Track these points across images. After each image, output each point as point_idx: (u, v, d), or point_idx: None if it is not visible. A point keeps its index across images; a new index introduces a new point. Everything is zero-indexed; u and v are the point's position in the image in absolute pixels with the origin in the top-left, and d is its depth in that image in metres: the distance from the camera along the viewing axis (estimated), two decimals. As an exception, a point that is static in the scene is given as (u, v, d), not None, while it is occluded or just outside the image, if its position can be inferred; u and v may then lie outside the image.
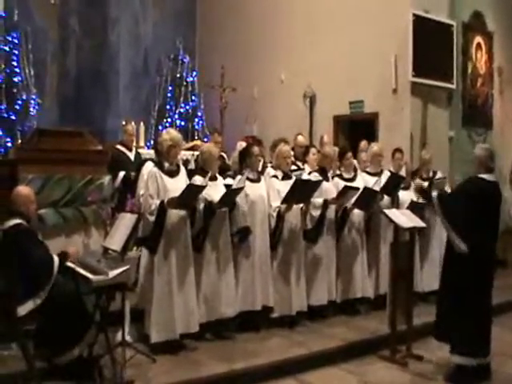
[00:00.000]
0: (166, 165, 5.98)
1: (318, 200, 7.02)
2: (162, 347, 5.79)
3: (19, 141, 11.01)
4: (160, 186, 5.84)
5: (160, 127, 13.11)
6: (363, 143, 9.09)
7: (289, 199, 6.59)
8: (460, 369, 5.66)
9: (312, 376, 5.83)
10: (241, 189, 6.30)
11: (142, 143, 11.27)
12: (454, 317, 5.67)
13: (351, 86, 10.82)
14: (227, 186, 6.40)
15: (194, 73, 14.36)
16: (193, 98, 14.12)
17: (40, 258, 5.09)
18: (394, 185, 7.72)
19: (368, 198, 7.38)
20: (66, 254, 5.26)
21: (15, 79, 11.76)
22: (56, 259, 5.14)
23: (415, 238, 7.11)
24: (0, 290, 5.06)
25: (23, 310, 4.95)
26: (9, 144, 11.15)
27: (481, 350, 5.64)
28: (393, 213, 6.52)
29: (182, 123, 13.69)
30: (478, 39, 11.75)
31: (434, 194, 5.97)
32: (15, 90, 11.67)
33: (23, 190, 5.40)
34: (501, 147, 11.69)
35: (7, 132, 11.35)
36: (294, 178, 6.94)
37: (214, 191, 6.17)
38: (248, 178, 6.59)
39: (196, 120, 14.01)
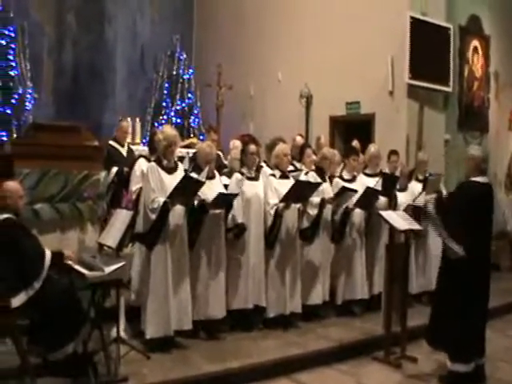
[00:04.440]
0: (165, 162, 5.96)
1: (315, 199, 7.02)
2: (156, 344, 5.79)
3: (15, 135, 10.97)
4: (158, 181, 5.82)
5: (156, 124, 13.08)
6: (355, 143, 9.09)
7: (287, 199, 6.59)
8: (455, 372, 5.65)
9: (306, 376, 5.82)
10: (236, 195, 6.31)
11: (137, 140, 11.25)
12: (450, 321, 5.64)
13: (348, 86, 10.82)
14: (224, 185, 6.40)
15: (191, 70, 14.34)
16: (189, 95, 14.09)
17: (31, 248, 5.07)
18: (389, 185, 7.72)
19: (370, 198, 7.40)
20: (62, 255, 5.23)
21: (11, 73, 11.69)
22: (48, 252, 5.11)
23: (411, 240, 7.11)
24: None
25: (17, 301, 4.91)
26: (4, 138, 11.09)
27: (477, 351, 5.63)
28: (389, 214, 6.52)
29: (178, 120, 13.66)
30: (475, 43, 11.76)
31: (430, 208, 5.91)
32: (11, 84, 11.61)
33: (11, 184, 5.35)
34: (496, 151, 11.74)
35: (3, 126, 11.28)
36: (291, 178, 6.95)
37: (210, 190, 6.15)
38: (246, 177, 6.60)
39: (192, 117, 13.98)
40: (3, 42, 11.66)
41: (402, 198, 7.92)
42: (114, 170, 7.85)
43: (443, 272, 5.87)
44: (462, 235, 5.53)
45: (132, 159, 7.76)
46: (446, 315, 5.70)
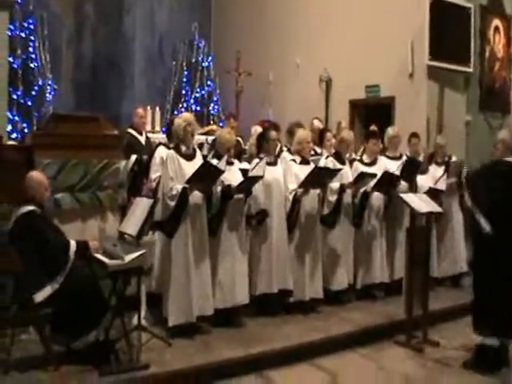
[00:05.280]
0: (183, 148, 5.97)
1: (334, 185, 6.99)
2: (177, 331, 5.81)
3: (35, 126, 11.07)
4: (177, 168, 5.83)
5: (176, 112, 13.09)
6: (372, 127, 9.03)
7: (306, 184, 6.57)
8: (479, 355, 5.61)
9: (328, 361, 5.83)
10: (260, 177, 6.27)
11: (157, 128, 11.26)
12: (491, 302, 5.56)
13: (367, 70, 10.72)
14: (243, 170, 6.38)
15: (210, 57, 14.34)
16: (208, 82, 14.10)
17: (56, 242, 5.13)
18: (411, 170, 7.66)
19: (388, 182, 7.35)
20: (87, 245, 5.27)
21: (31, 65, 11.81)
22: (73, 243, 5.17)
23: (432, 223, 7.06)
24: (17, 276, 5.09)
25: (41, 295, 4.99)
26: (25, 129, 11.21)
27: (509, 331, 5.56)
28: (410, 197, 6.48)
29: (198, 108, 13.69)
30: (496, 22, 11.56)
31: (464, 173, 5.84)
32: (31, 76, 11.71)
33: (36, 175, 5.39)
34: (518, 131, 11.57)
35: (24, 117, 11.41)
36: (311, 164, 6.92)
37: (231, 176, 6.16)
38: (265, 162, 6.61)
39: (211, 105, 14.01)
40: (23, 35, 11.76)
41: (423, 182, 7.84)
42: (133, 158, 7.88)
43: (476, 253, 5.82)
44: (490, 212, 5.48)
45: (151, 147, 7.78)
46: (488, 297, 5.62)
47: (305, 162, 6.96)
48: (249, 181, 6.21)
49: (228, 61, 12.61)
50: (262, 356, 5.63)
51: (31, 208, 5.17)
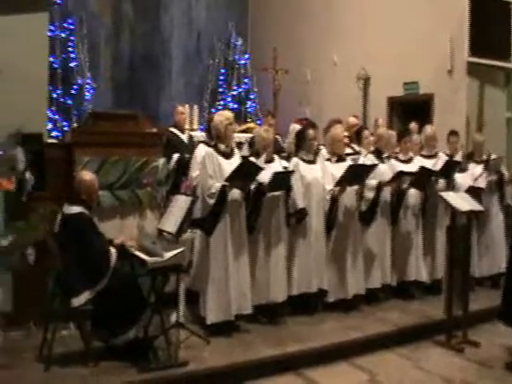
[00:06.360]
0: (222, 146, 5.98)
1: (372, 182, 6.94)
2: (215, 329, 5.83)
3: (75, 124, 11.21)
4: (216, 166, 5.84)
5: (213, 110, 13.14)
6: (412, 125, 8.94)
7: (342, 182, 6.54)
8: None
9: (366, 360, 5.79)
10: (291, 172, 6.25)
11: (195, 126, 11.32)
12: None
13: (405, 66, 10.63)
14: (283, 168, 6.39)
15: (247, 55, 14.36)
16: (245, 80, 14.13)
17: (99, 248, 5.14)
18: (449, 169, 7.57)
19: (424, 178, 7.27)
20: (124, 247, 5.30)
21: (71, 64, 11.97)
22: (113, 251, 5.18)
23: (472, 222, 6.96)
24: (59, 273, 5.15)
25: (78, 301, 5.01)
26: (65, 128, 11.36)
27: None
28: (450, 196, 6.41)
29: (235, 106, 13.74)
30: (537, 17, 11.36)
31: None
32: (71, 75, 11.87)
33: (88, 177, 5.35)
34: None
35: (64, 116, 11.58)
36: (348, 161, 6.89)
37: (268, 174, 6.14)
38: (304, 160, 6.61)
39: (248, 103, 14.03)
40: (63, 35, 11.92)
41: (462, 180, 7.74)
42: (176, 156, 7.91)
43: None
44: None
45: (193, 145, 7.80)
46: None
47: (340, 159, 6.93)
48: (279, 177, 6.18)
49: (265, 58, 12.62)
50: (300, 354, 5.62)
51: (80, 210, 5.18)
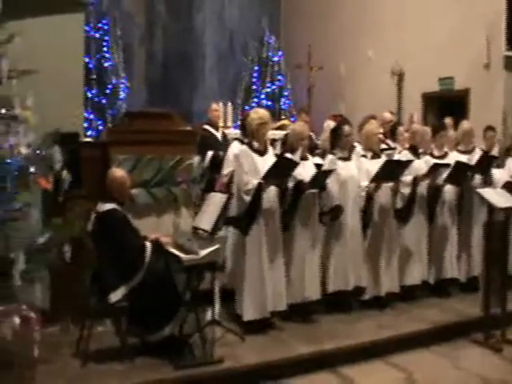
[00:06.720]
0: (256, 144, 5.98)
1: (408, 177, 6.87)
2: (250, 326, 5.82)
3: (110, 123, 11.33)
4: (250, 164, 5.84)
5: (247, 108, 13.16)
6: (447, 120, 8.84)
7: (377, 179, 6.49)
8: None
9: (402, 358, 5.73)
10: (332, 171, 6.23)
11: (229, 123, 11.35)
12: None
13: (441, 61, 10.52)
14: (316, 165, 6.35)
15: (280, 53, 14.35)
16: (279, 77, 14.12)
17: (133, 244, 5.19)
18: (485, 164, 7.46)
19: (460, 173, 7.18)
20: (159, 242, 5.33)
21: (105, 64, 12.09)
22: (148, 245, 5.22)
23: (510, 219, 6.85)
24: (95, 270, 5.21)
25: (115, 296, 5.06)
26: (100, 127, 11.49)
27: None
28: (487, 192, 6.32)
29: (269, 103, 13.74)
30: None
31: None
32: (105, 75, 12.00)
33: (118, 174, 5.40)
34: None
35: (99, 115, 11.72)
36: (384, 158, 6.83)
37: (305, 170, 6.13)
38: (339, 157, 6.56)
39: (282, 100, 14.02)
40: (97, 35, 12.05)
41: (499, 176, 7.62)
42: (210, 154, 7.95)
43: None
44: None
45: (228, 143, 7.82)
46: None
47: (376, 156, 6.88)
48: (321, 175, 6.16)
49: (298, 55, 12.60)
50: (335, 352, 5.59)
51: (113, 206, 5.24)
